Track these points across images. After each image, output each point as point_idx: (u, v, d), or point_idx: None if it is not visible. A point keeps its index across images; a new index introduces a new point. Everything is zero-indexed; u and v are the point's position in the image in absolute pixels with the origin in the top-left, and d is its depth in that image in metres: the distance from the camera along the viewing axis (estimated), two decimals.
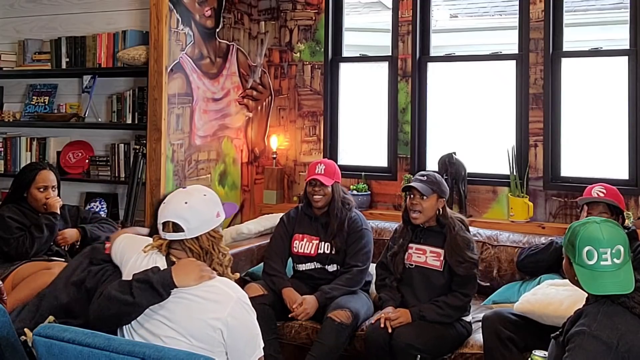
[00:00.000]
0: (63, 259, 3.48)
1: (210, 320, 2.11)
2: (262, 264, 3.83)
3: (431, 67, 4.49)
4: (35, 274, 3.19)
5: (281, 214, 3.91)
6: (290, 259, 3.74)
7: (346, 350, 3.34)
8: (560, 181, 4.08)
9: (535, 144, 4.11)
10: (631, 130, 3.91)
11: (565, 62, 4.10)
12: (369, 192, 4.50)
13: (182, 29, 4.22)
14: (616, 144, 3.99)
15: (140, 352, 1.83)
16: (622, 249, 2.11)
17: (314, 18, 4.77)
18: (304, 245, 3.68)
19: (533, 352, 2.32)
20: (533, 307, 2.98)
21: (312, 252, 3.65)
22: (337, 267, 3.62)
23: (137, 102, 4.34)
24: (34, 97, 4.82)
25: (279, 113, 4.91)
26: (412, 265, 3.36)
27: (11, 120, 4.81)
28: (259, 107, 4.91)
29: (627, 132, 3.93)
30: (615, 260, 2.09)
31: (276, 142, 4.81)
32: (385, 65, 4.60)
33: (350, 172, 4.51)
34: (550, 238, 3.62)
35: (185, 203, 2.23)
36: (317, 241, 3.66)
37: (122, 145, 4.49)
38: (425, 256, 3.34)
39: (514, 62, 4.22)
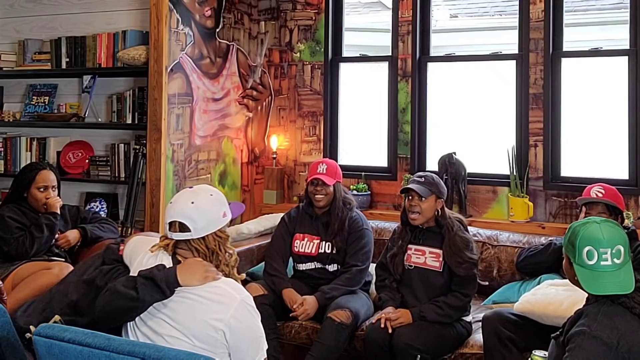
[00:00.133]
0: (63, 259, 3.48)
1: (212, 321, 2.10)
2: (262, 264, 3.83)
3: (431, 67, 4.49)
4: (35, 274, 3.18)
5: (281, 214, 3.91)
6: (290, 259, 3.74)
7: (346, 350, 3.34)
8: (560, 181, 4.08)
9: (535, 144, 4.11)
10: (631, 130, 3.91)
11: (565, 62, 4.10)
12: (369, 192, 4.50)
13: (182, 29, 4.22)
14: (616, 144, 3.99)
15: (140, 352, 1.83)
16: (622, 249, 2.11)
17: (314, 18, 4.76)
18: (304, 244, 3.68)
19: (533, 352, 2.32)
20: (533, 307, 2.98)
21: (313, 251, 3.65)
22: (338, 267, 3.62)
23: (137, 102, 4.34)
24: (34, 97, 4.81)
25: (279, 113, 4.91)
26: (411, 266, 3.36)
27: (11, 120, 4.81)
28: (259, 107, 4.91)
29: (627, 132, 3.93)
30: (615, 260, 2.09)
31: (276, 142, 4.81)
32: (385, 65, 4.60)
33: (350, 172, 4.50)
34: (549, 239, 3.62)
35: (192, 203, 2.24)
36: (318, 241, 3.65)
37: (122, 145, 4.49)
38: (425, 257, 3.33)
39: (514, 62, 4.22)
